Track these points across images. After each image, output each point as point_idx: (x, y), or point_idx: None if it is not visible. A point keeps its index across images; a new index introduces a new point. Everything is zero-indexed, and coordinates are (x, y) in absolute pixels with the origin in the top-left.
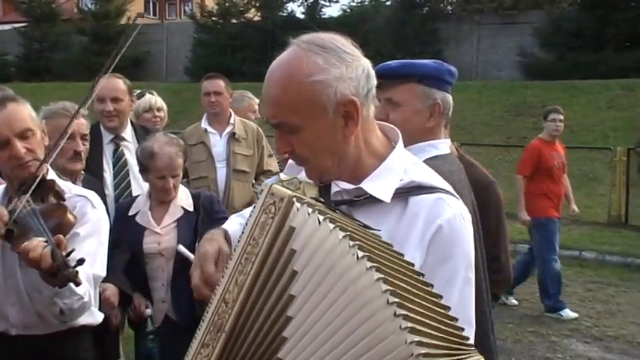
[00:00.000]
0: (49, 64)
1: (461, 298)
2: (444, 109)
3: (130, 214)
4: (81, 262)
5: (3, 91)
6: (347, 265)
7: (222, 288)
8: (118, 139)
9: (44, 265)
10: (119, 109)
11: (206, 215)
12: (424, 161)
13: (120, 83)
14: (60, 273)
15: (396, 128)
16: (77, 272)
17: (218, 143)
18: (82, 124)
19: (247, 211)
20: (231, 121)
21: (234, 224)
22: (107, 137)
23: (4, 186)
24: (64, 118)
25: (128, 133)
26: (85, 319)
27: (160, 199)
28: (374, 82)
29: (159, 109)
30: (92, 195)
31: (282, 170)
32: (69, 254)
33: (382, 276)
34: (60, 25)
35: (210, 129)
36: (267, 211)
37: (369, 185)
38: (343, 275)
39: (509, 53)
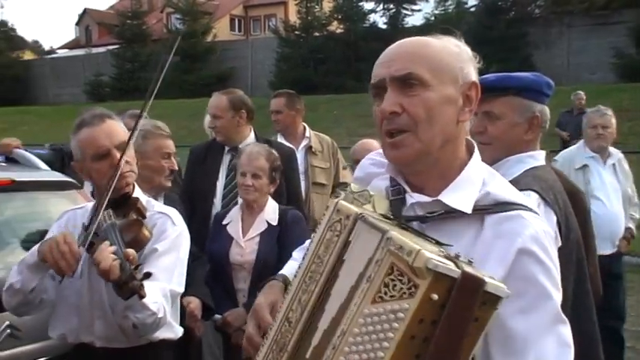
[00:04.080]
0: (140, 83)
1: (545, 314)
2: (542, 121)
3: (223, 222)
4: (147, 275)
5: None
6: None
7: (285, 307)
8: (234, 151)
9: (113, 276)
10: (219, 124)
11: (287, 232)
12: (524, 172)
13: (220, 100)
14: (126, 285)
15: (471, 139)
16: (142, 285)
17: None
18: (171, 145)
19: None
20: (307, 134)
21: (293, 265)
22: (227, 147)
23: (93, 203)
24: (160, 137)
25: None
26: (163, 334)
27: (242, 196)
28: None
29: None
30: (173, 212)
31: None
32: (137, 267)
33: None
34: (150, 46)
35: (287, 144)
36: (333, 229)
37: (449, 197)
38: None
39: (602, 55)
